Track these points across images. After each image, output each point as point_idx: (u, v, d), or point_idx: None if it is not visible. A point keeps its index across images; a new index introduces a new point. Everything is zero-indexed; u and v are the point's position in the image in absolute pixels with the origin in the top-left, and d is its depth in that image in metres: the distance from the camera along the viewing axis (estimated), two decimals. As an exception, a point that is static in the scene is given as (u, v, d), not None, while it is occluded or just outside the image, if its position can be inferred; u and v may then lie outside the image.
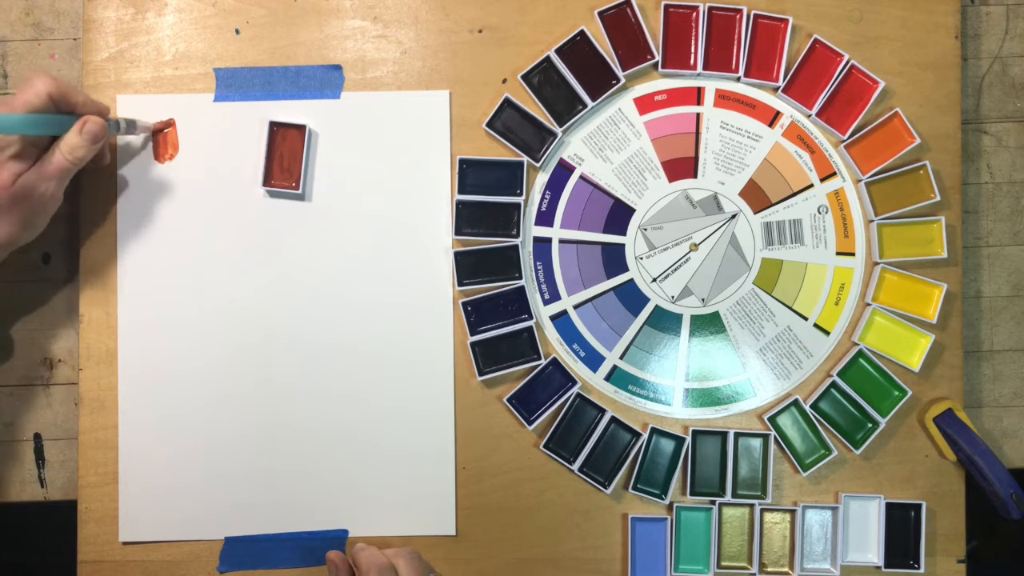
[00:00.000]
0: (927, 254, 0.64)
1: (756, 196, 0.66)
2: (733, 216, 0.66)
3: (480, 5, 0.66)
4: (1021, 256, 0.68)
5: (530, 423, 0.64)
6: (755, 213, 0.66)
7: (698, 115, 0.66)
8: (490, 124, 0.65)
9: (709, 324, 0.66)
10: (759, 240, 0.66)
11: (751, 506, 0.64)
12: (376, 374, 0.65)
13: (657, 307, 0.66)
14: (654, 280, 0.66)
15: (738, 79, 0.66)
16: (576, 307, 0.66)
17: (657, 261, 0.66)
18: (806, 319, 0.66)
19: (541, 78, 0.65)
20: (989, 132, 0.68)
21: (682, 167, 0.66)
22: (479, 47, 0.66)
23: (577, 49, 0.65)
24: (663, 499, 0.64)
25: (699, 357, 0.66)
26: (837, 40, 0.65)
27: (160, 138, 0.65)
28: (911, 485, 0.65)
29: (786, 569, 0.65)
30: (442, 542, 0.65)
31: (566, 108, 0.65)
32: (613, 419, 0.64)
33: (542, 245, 0.66)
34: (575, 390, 0.64)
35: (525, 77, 0.65)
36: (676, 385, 0.65)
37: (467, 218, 0.65)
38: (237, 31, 0.66)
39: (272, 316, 0.65)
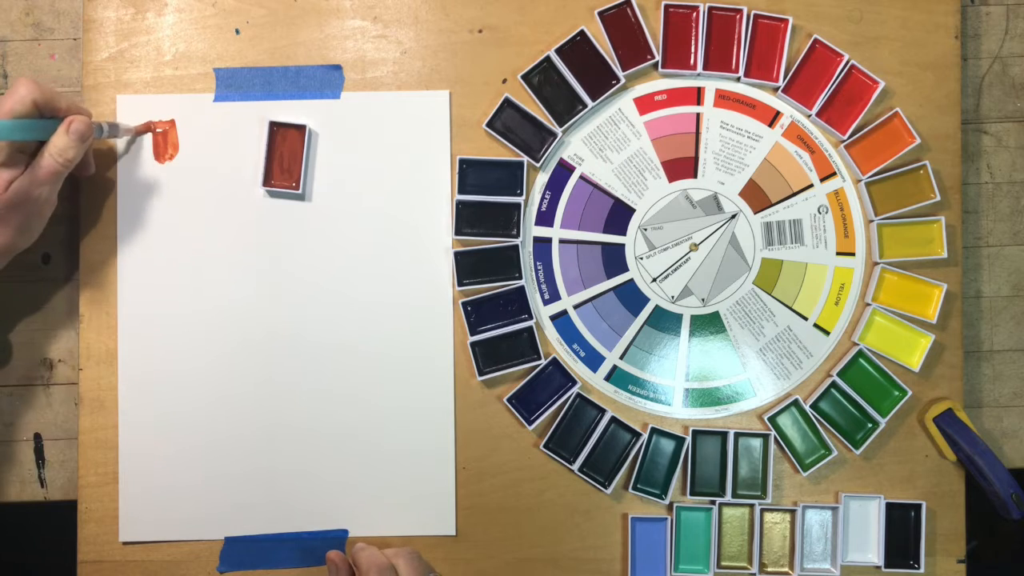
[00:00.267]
0: (927, 254, 0.64)
1: (756, 196, 0.66)
2: (733, 216, 0.66)
3: (480, 5, 0.66)
4: (1021, 256, 0.68)
5: (530, 423, 0.64)
6: (755, 213, 0.66)
7: (698, 115, 0.66)
8: (490, 124, 0.65)
9: (709, 324, 0.66)
10: (759, 240, 0.66)
11: (751, 506, 0.64)
12: (376, 374, 0.65)
13: (657, 307, 0.66)
14: (654, 280, 0.66)
15: (738, 79, 0.66)
16: (576, 307, 0.66)
17: (657, 261, 0.66)
18: (806, 319, 0.66)
19: (541, 78, 0.65)
20: (989, 132, 0.68)
21: (682, 167, 0.66)
22: (479, 47, 0.66)
23: (577, 49, 0.65)
24: (663, 499, 0.64)
25: (699, 357, 0.66)
26: (837, 40, 0.65)
27: (160, 138, 0.65)
28: (911, 485, 0.65)
29: (786, 569, 0.65)
30: (442, 542, 0.64)
31: (566, 108, 0.65)
32: (613, 419, 0.64)
33: (542, 245, 0.66)
34: (575, 390, 0.64)
35: (525, 77, 0.65)
36: (676, 385, 0.65)
37: (467, 218, 0.65)
38: (237, 31, 0.66)
39: (272, 316, 0.65)
